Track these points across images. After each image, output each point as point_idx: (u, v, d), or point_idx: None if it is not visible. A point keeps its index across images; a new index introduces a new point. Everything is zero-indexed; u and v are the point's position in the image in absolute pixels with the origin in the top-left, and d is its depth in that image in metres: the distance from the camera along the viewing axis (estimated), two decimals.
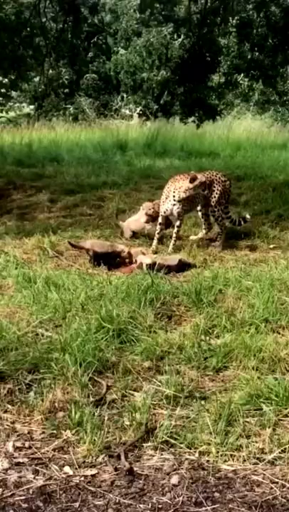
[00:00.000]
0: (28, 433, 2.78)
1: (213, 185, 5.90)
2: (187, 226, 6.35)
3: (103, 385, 3.12)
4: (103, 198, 7.78)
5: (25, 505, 2.34)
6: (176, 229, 5.73)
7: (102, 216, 6.98)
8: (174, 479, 2.49)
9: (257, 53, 17.85)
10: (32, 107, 20.34)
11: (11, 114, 19.03)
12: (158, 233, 5.79)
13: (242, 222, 6.21)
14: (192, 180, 5.56)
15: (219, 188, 5.93)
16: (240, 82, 19.78)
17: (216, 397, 3.00)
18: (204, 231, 6.18)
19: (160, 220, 5.79)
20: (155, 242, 5.78)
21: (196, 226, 6.43)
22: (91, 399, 2.98)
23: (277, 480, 2.49)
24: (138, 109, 19.13)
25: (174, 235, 5.72)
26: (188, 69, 17.91)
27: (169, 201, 5.67)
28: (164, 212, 5.74)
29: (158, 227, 5.80)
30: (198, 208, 6.06)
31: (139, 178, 8.96)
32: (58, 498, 2.38)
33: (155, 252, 5.62)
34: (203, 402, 2.98)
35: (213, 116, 18.44)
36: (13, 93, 18.51)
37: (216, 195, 5.91)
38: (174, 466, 2.57)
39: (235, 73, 19.14)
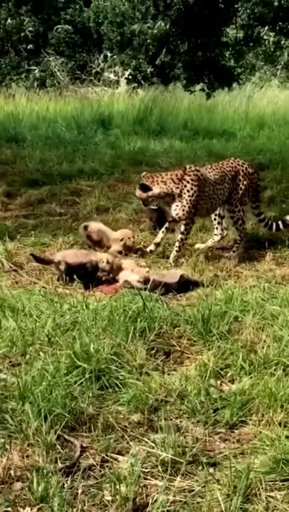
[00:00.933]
0: None
1: (237, 178, 5.95)
2: (192, 230, 6.36)
3: (76, 445, 3.11)
4: (79, 191, 7.79)
5: None
6: (179, 236, 5.76)
7: (78, 216, 6.98)
8: None
9: None
10: None
11: None
12: (162, 231, 5.88)
13: (281, 227, 6.24)
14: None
15: (245, 183, 5.98)
16: (265, 37, 19.96)
17: (229, 462, 3.00)
18: (215, 237, 6.20)
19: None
20: (160, 235, 5.86)
21: (204, 230, 6.45)
22: (60, 465, 2.97)
23: None
24: (126, 73, 19.24)
25: (177, 243, 5.75)
26: (194, 19, 18.04)
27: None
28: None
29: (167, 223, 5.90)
30: None
31: (127, 166, 8.97)
32: None
33: (151, 251, 5.75)
34: (212, 470, 2.97)
35: (228, 83, 18.58)
36: None
37: (240, 192, 5.96)
38: None
39: (257, 25, 19.30)
